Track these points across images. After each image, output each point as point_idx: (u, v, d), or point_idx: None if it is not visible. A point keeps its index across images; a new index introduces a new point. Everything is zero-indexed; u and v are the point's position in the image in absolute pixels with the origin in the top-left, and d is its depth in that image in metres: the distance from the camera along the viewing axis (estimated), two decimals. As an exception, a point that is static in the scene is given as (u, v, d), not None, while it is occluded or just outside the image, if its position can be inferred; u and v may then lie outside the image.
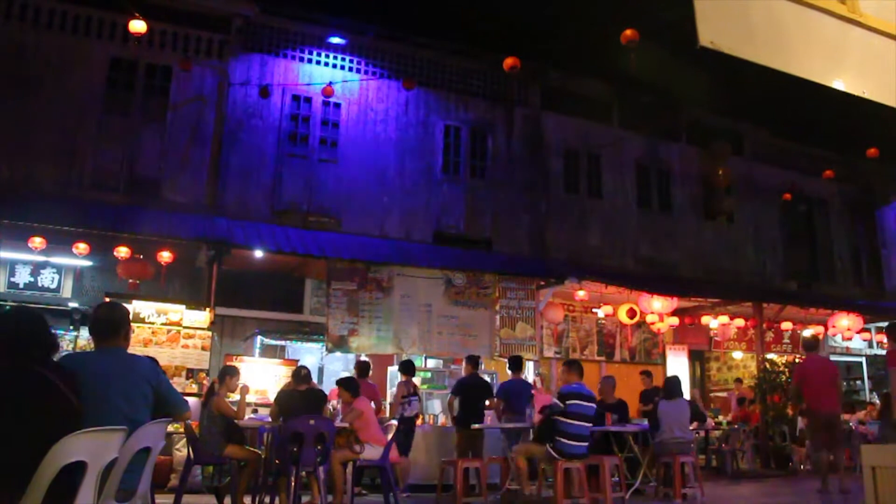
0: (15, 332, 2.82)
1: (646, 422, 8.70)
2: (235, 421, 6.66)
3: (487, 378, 9.64)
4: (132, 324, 9.07)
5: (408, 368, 9.17)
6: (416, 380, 10.81)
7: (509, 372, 8.88)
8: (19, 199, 9.30)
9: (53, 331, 2.98)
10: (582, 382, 6.97)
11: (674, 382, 8.44)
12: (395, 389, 9.36)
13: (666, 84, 13.54)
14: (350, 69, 12.34)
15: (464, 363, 9.24)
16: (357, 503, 7.52)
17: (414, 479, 8.97)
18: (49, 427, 2.54)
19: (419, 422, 9.36)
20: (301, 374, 7.09)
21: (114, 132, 10.65)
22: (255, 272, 11.12)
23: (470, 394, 8.55)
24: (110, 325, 3.32)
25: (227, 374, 6.88)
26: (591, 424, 6.93)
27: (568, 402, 6.72)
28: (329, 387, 9.37)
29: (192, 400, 8.05)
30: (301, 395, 6.86)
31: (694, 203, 15.04)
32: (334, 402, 8.08)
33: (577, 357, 12.71)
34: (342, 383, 7.44)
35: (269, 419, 6.99)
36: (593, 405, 6.90)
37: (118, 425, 2.78)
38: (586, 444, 6.87)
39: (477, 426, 8.17)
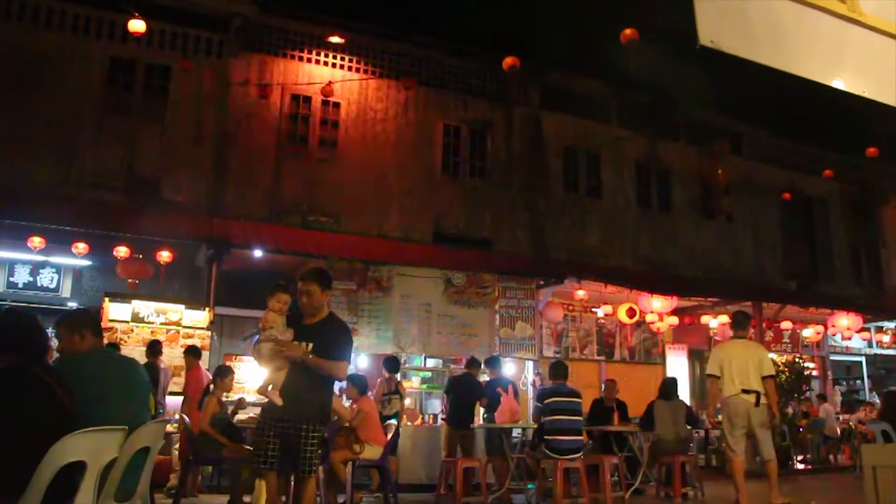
0: (10, 334, 2.82)
1: None
2: (233, 421, 6.63)
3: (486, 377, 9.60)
4: (132, 323, 9.17)
5: (392, 366, 8.80)
6: (416, 379, 10.81)
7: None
8: (18, 199, 9.28)
9: (45, 331, 3.00)
10: (562, 382, 7.09)
11: (670, 383, 8.67)
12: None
13: (665, 83, 13.53)
14: (349, 68, 12.32)
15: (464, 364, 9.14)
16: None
17: (413, 479, 8.95)
18: (45, 428, 2.54)
19: (403, 420, 9.15)
20: None
21: (113, 132, 10.63)
22: (255, 272, 11.08)
23: (461, 393, 8.43)
24: (99, 327, 3.41)
25: (219, 376, 6.87)
26: (579, 418, 7.05)
27: (546, 401, 6.95)
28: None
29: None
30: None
31: (693, 202, 15.04)
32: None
33: (576, 356, 12.73)
34: (350, 381, 7.41)
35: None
36: (576, 399, 7.00)
37: (123, 425, 2.78)
38: (577, 437, 6.94)
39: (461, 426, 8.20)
